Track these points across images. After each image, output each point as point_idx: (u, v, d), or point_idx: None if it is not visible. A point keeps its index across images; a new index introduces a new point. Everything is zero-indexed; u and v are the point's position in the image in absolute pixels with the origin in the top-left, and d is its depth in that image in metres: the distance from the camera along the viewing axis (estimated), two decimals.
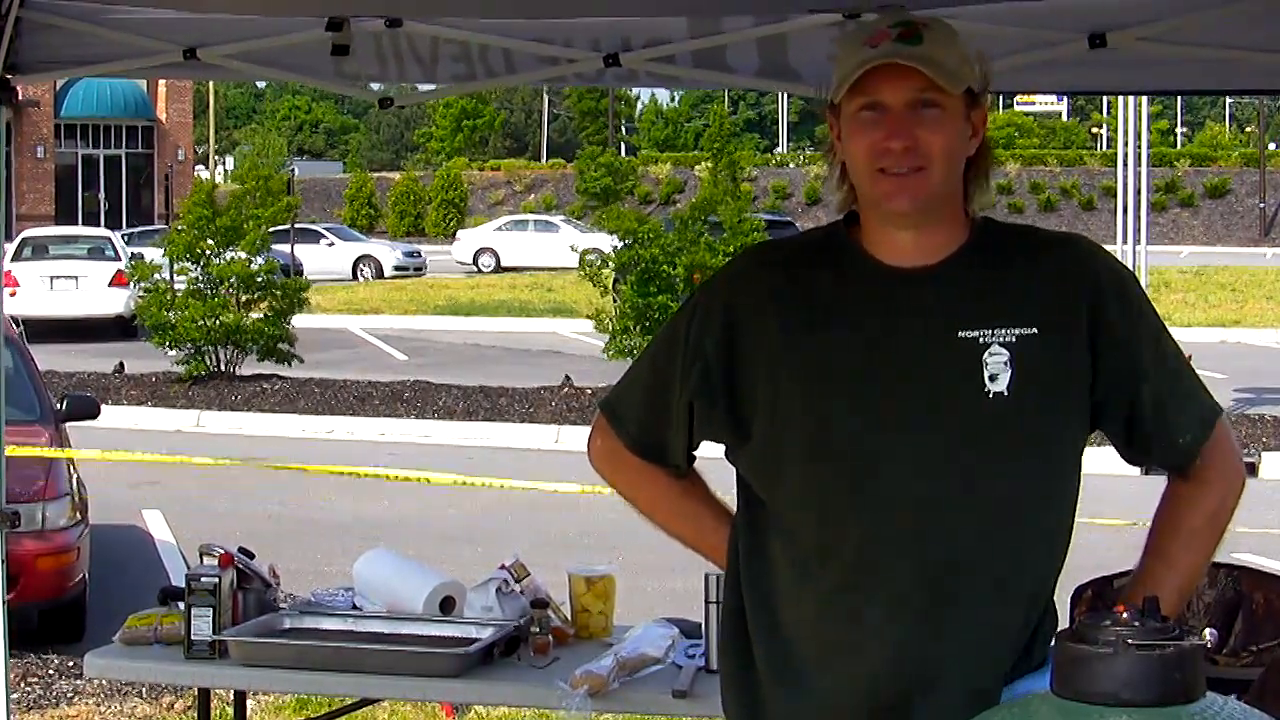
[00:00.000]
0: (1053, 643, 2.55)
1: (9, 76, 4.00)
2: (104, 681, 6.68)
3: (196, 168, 50.68)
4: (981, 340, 2.48)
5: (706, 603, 3.88)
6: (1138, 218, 16.85)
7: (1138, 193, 16.81)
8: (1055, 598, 2.59)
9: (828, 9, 3.62)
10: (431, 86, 4.48)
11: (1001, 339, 2.48)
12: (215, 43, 4.09)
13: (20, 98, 4.41)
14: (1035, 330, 2.49)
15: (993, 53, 3.84)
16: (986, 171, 2.60)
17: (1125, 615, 2.03)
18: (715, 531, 2.74)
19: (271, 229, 20.40)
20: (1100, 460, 2.63)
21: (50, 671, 7.07)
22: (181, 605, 4.12)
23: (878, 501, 2.49)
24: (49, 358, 15.63)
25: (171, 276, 18.15)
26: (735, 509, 2.70)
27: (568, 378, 16.83)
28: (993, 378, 2.47)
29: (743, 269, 2.76)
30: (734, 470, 2.68)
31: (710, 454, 2.71)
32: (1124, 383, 2.53)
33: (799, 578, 2.54)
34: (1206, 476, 2.59)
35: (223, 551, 4.19)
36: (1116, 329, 2.52)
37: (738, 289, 2.64)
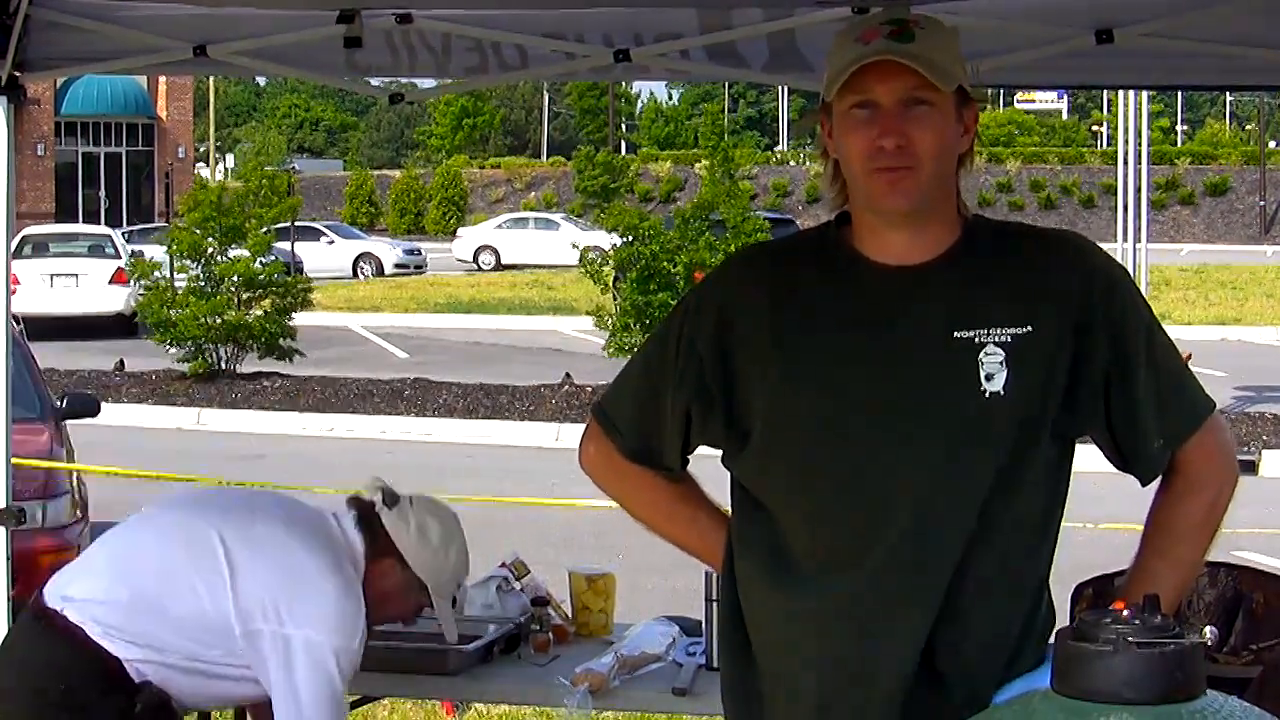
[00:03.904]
0: (1049, 642, 2.57)
1: (17, 74, 3.99)
2: None
3: (197, 165, 50.70)
4: (977, 340, 2.48)
5: (707, 601, 3.89)
6: (1138, 215, 16.87)
7: (1138, 190, 16.83)
8: (1055, 597, 2.59)
9: (835, 3, 3.62)
10: (445, 81, 4.49)
11: (997, 339, 2.48)
12: (224, 39, 4.09)
13: (26, 96, 4.40)
14: (1030, 329, 2.48)
15: (999, 48, 3.85)
16: (964, 167, 2.58)
17: (1126, 613, 2.03)
18: (711, 533, 2.73)
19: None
20: (1101, 459, 2.63)
21: None
22: None
23: (874, 502, 2.49)
24: (49, 356, 15.63)
25: (172, 274, 18.17)
26: (729, 511, 2.69)
27: (568, 375, 16.84)
28: (989, 377, 2.47)
29: (735, 270, 2.75)
30: (726, 471, 2.67)
31: (701, 454, 2.71)
32: (1118, 380, 2.53)
33: (795, 578, 2.54)
34: (1200, 473, 2.59)
35: None
36: (1110, 326, 2.52)
37: (730, 290, 2.64)
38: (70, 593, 3.47)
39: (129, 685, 3.39)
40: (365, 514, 3.64)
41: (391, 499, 3.67)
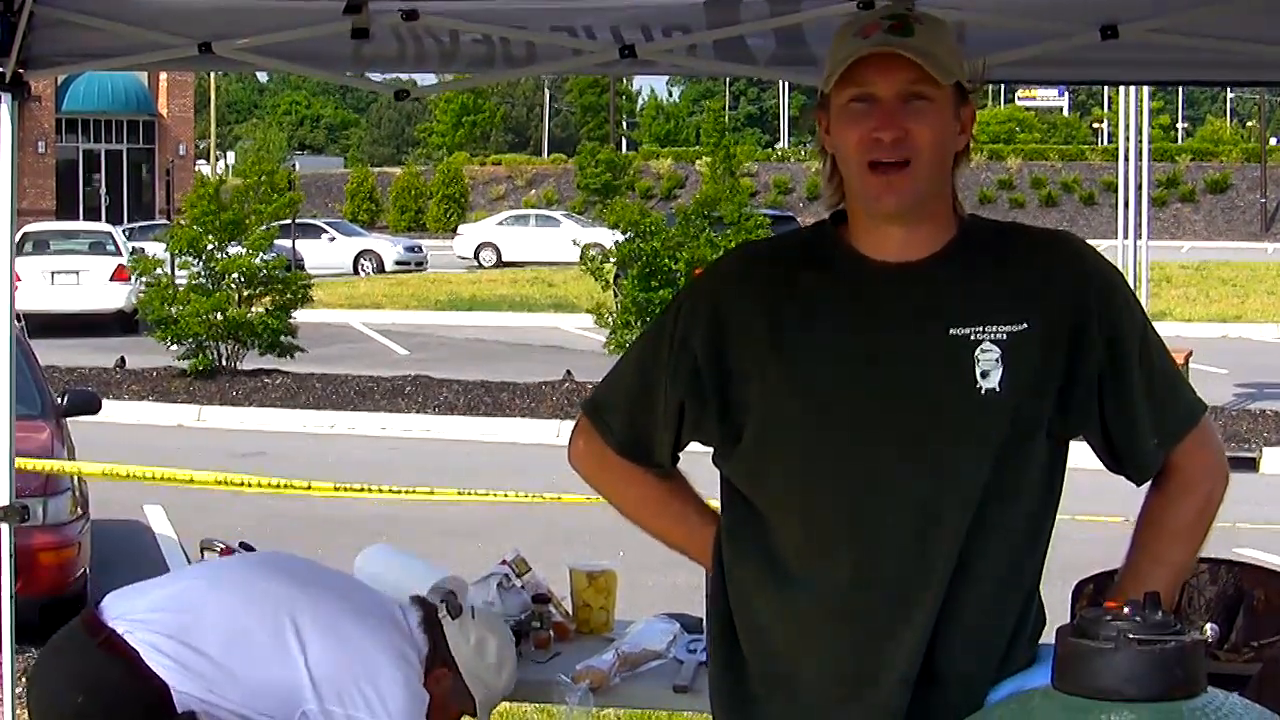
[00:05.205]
0: (1041, 642, 2.57)
1: (21, 71, 4.00)
2: None
3: (198, 163, 50.72)
4: (973, 337, 2.47)
5: (708, 598, 3.88)
6: (1139, 213, 16.87)
7: (1139, 188, 16.83)
8: (1052, 594, 2.59)
9: None
10: (448, 77, 4.47)
11: (993, 336, 2.47)
12: (229, 36, 4.09)
13: (30, 93, 4.42)
14: (1025, 326, 2.48)
15: (1003, 44, 3.85)
16: (960, 166, 2.58)
17: (1127, 610, 2.03)
18: (701, 531, 2.72)
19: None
20: (1095, 457, 2.64)
21: None
22: None
23: (870, 501, 2.48)
24: (50, 353, 15.63)
25: (173, 271, 18.18)
26: (719, 509, 2.69)
27: (569, 372, 16.84)
28: (984, 374, 2.46)
29: (730, 267, 2.75)
30: (715, 470, 2.66)
31: (693, 450, 2.71)
32: (1112, 380, 2.53)
33: (787, 578, 2.54)
34: (1193, 474, 2.60)
35: (224, 546, 4.20)
36: (1107, 327, 2.52)
37: (725, 287, 2.63)
38: (133, 616, 3.50)
39: (170, 712, 3.40)
40: (429, 618, 3.71)
41: (455, 610, 3.74)
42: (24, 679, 6.78)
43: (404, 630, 3.65)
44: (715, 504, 2.71)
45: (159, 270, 18.06)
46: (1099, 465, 2.63)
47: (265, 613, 3.53)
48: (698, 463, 2.75)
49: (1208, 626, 3.76)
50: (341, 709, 3.45)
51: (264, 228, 18.36)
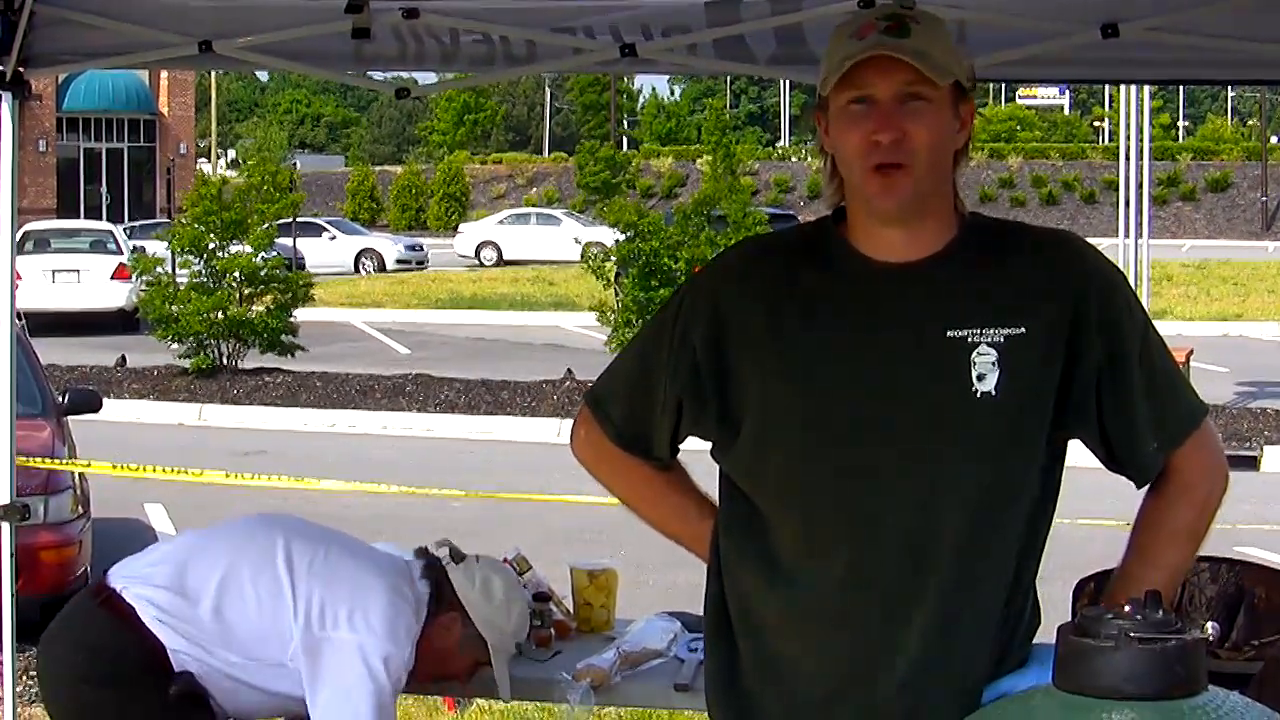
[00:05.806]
0: (1034, 642, 2.57)
1: (21, 70, 4.00)
2: None
3: (199, 161, 50.74)
4: (970, 340, 2.47)
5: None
6: (1140, 211, 16.88)
7: (1140, 186, 16.85)
8: (1053, 593, 2.59)
9: None
10: (448, 76, 4.47)
11: (990, 339, 2.47)
12: (230, 35, 4.10)
13: (30, 92, 4.44)
14: (1024, 330, 2.47)
15: (1004, 43, 3.85)
16: (960, 163, 2.57)
17: (1128, 609, 2.03)
18: (698, 524, 2.72)
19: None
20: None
21: None
22: None
23: (863, 500, 2.48)
24: (50, 351, 15.64)
25: (174, 270, 18.18)
26: (717, 504, 2.69)
27: (570, 371, 16.84)
28: (980, 377, 2.46)
29: (731, 263, 2.74)
30: (715, 464, 2.67)
31: (692, 446, 2.71)
32: (1111, 380, 2.52)
33: (784, 576, 2.53)
34: (1190, 476, 2.59)
35: None
36: (1106, 327, 2.51)
37: (726, 283, 2.63)
38: (133, 575, 3.57)
39: (168, 670, 3.46)
40: (433, 566, 3.74)
41: (458, 556, 3.76)
42: (24, 678, 6.79)
43: (408, 578, 3.68)
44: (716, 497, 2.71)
45: (160, 269, 18.06)
46: (1099, 465, 2.63)
47: (263, 561, 3.57)
48: (699, 459, 2.75)
49: (1208, 625, 3.76)
50: (323, 631, 3.49)
51: (265, 226, 18.35)
